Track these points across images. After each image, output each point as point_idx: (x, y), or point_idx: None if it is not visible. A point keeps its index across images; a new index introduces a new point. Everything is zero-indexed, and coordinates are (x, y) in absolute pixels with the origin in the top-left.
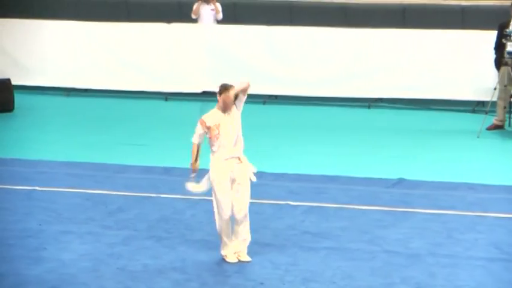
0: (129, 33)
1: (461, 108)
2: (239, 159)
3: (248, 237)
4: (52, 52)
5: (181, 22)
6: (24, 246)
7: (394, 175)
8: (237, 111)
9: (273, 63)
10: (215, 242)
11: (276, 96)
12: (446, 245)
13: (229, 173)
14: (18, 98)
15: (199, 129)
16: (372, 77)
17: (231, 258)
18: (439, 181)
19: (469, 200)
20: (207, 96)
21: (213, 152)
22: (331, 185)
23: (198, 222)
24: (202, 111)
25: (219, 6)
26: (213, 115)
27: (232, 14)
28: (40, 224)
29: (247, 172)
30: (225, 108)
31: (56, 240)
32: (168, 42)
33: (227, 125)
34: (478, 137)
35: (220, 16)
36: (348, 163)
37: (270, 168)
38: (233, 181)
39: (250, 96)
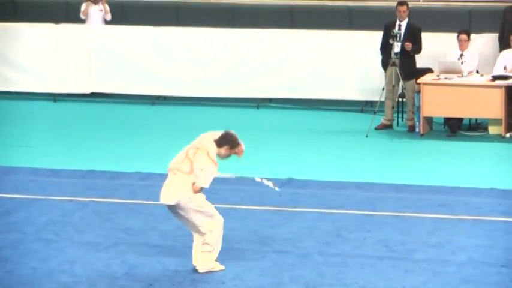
0: (17, 34)
1: (350, 108)
2: None
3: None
4: None
5: (69, 23)
6: None
7: (283, 175)
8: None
9: (161, 64)
10: (104, 243)
11: (164, 97)
12: (335, 244)
13: None
14: None
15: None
16: (261, 77)
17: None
18: (328, 180)
19: (357, 198)
20: (95, 97)
21: None
22: (221, 186)
23: (87, 224)
24: None
25: (107, 7)
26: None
27: (120, 15)
28: None
29: None
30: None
31: None
32: (56, 42)
33: None
34: (366, 136)
35: (108, 17)
36: (237, 163)
37: (158, 169)
38: None
39: (139, 97)
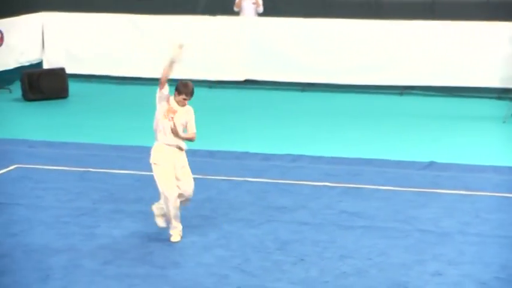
0: (176, 26)
1: (488, 95)
2: (180, 148)
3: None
4: (103, 43)
5: (224, 15)
6: (79, 224)
7: (425, 158)
8: (190, 109)
9: (309, 53)
10: (257, 220)
11: (313, 84)
12: (474, 224)
13: (172, 159)
14: (72, 86)
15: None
16: (404, 66)
17: (175, 238)
18: (467, 164)
19: (495, 181)
20: (249, 84)
21: (157, 137)
22: (367, 168)
23: (241, 202)
24: None
25: (259, 0)
26: (174, 101)
27: (272, 7)
28: (94, 203)
29: (186, 159)
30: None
31: (108, 218)
32: (213, 33)
33: (180, 117)
34: (503, 122)
35: (260, 9)
36: (382, 147)
37: (307, 151)
38: (175, 167)
39: (289, 84)
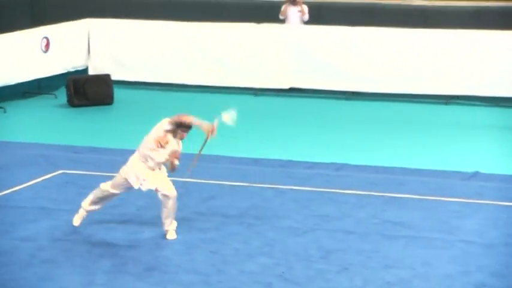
0: (222, 33)
1: None
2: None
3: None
4: (148, 50)
5: (270, 22)
6: (123, 230)
7: (470, 168)
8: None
9: (355, 62)
10: (302, 229)
11: (358, 93)
12: None
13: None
14: (118, 92)
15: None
16: (449, 75)
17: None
18: None
19: None
20: (293, 92)
21: (145, 157)
22: (411, 177)
23: (286, 210)
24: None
25: (305, 8)
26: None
27: (317, 16)
28: (138, 210)
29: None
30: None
31: (152, 225)
32: (258, 41)
33: (172, 146)
34: None
35: (306, 17)
36: (426, 156)
37: (352, 160)
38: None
39: (333, 92)
